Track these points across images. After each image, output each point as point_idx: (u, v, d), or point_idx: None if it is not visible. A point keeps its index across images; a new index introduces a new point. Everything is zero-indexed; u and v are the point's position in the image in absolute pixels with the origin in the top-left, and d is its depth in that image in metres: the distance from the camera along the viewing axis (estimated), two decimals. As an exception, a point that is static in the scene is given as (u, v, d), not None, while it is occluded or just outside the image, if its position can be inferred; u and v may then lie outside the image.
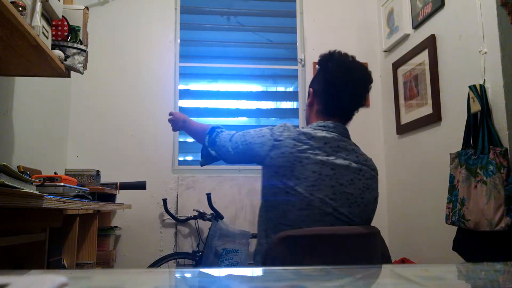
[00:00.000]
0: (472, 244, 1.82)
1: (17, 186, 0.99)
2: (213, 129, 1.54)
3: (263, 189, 1.35)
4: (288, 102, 3.13)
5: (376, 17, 3.05)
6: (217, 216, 2.49)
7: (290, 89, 3.16)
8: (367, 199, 1.30)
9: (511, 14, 1.77)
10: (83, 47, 1.72)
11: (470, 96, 1.90)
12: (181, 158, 2.87)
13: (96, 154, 2.71)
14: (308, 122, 1.51)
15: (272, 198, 1.30)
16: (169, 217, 2.62)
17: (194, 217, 2.56)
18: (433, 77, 2.29)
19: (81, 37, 1.74)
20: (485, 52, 1.88)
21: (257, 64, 3.03)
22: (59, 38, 1.67)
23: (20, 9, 1.26)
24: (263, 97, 3.11)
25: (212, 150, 1.49)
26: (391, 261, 1.37)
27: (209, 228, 2.46)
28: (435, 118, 2.27)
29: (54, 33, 1.65)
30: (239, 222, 2.71)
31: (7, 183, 0.94)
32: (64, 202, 1.24)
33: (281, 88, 3.22)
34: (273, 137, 1.33)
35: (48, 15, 1.55)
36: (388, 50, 2.88)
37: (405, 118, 2.62)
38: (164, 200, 2.60)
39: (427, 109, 2.35)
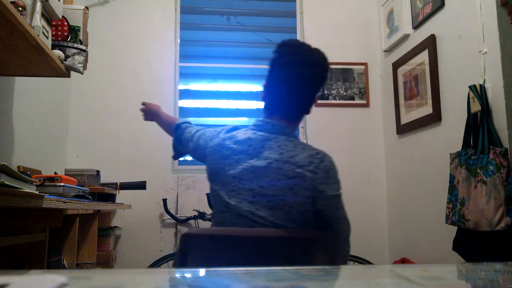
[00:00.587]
0: (472, 244, 1.82)
1: (17, 186, 0.99)
2: (178, 126, 1.54)
3: None
4: (288, 102, 3.13)
5: (376, 17, 3.05)
6: (217, 216, 2.48)
7: (290, 89, 3.15)
8: (292, 200, 1.19)
9: (511, 14, 1.77)
10: (83, 47, 1.72)
11: (470, 96, 1.90)
12: (181, 158, 2.87)
13: (96, 154, 2.71)
14: None
15: (210, 201, 1.33)
16: (169, 217, 2.62)
17: (194, 217, 2.56)
18: (433, 77, 2.29)
19: (81, 37, 1.74)
20: (485, 52, 1.88)
21: (257, 64, 3.03)
22: (59, 38, 1.67)
23: (20, 9, 1.26)
24: (263, 97, 3.11)
25: (178, 146, 1.53)
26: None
27: (209, 228, 2.46)
28: (435, 118, 2.27)
29: (54, 33, 1.65)
30: (239, 222, 2.70)
31: (7, 183, 0.94)
32: (64, 202, 1.24)
33: (281, 88, 3.22)
34: (208, 144, 1.35)
35: (48, 15, 1.55)
36: (388, 50, 2.88)
37: (405, 118, 2.62)
38: (164, 200, 2.60)
39: (427, 109, 2.35)
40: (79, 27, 1.75)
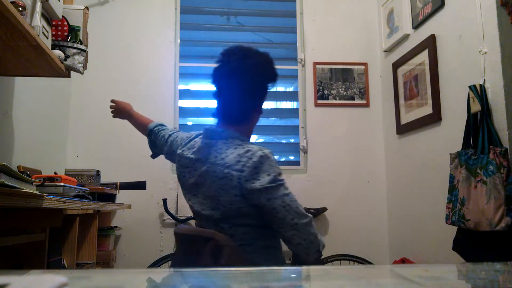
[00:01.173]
0: (472, 244, 1.82)
1: (17, 186, 0.99)
2: (151, 131, 1.68)
3: None
4: (288, 102, 3.13)
5: (376, 17, 3.05)
6: (217, 216, 2.48)
7: (290, 89, 3.16)
8: (226, 200, 1.28)
9: (511, 14, 1.77)
10: (83, 47, 1.72)
11: (470, 96, 1.90)
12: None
13: (96, 154, 2.71)
14: None
15: None
16: (169, 217, 2.62)
17: (194, 217, 2.56)
18: (433, 77, 2.29)
19: (81, 37, 1.74)
20: (485, 52, 1.88)
21: (257, 64, 3.02)
22: (59, 38, 1.67)
23: (20, 9, 1.26)
24: (263, 97, 3.11)
25: (154, 149, 1.68)
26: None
27: (209, 228, 2.46)
28: (435, 118, 2.27)
29: (54, 33, 1.65)
30: (239, 222, 2.70)
31: (7, 183, 0.94)
32: (64, 202, 1.24)
33: (281, 88, 3.22)
34: (176, 152, 1.50)
35: (48, 15, 1.55)
36: (388, 50, 2.88)
37: (405, 118, 2.62)
38: (164, 200, 2.60)
39: (427, 109, 2.35)
40: (79, 27, 1.75)
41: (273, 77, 1.42)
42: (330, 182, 2.87)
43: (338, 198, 2.85)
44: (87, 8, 1.80)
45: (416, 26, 2.51)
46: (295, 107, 3.02)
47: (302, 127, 2.94)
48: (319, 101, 2.95)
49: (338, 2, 3.09)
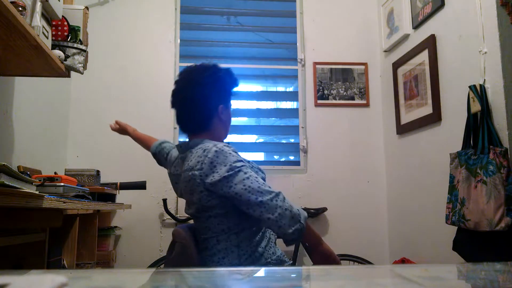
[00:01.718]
0: (472, 244, 1.82)
1: (17, 186, 0.99)
2: (155, 154, 1.89)
3: None
4: (288, 102, 3.14)
5: (376, 17, 3.05)
6: (217, 216, 2.49)
7: (290, 89, 3.16)
8: (196, 198, 1.41)
9: (511, 14, 1.77)
10: (83, 47, 1.72)
11: (470, 96, 1.90)
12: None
13: (96, 154, 2.71)
14: None
15: None
16: (169, 217, 2.62)
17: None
18: (433, 77, 2.29)
19: (81, 37, 1.74)
20: (485, 52, 1.88)
21: (257, 64, 3.03)
22: (59, 38, 1.67)
23: (20, 9, 1.26)
24: (263, 97, 3.11)
25: (160, 165, 1.93)
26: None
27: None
28: (435, 118, 2.27)
29: (54, 33, 1.65)
30: (239, 222, 2.71)
31: (7, 183, 0.94)
32: (64, 202, 1.24)
33: (281, 88, 3.22)
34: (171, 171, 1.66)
35: (48, 15, 1.55)
36: (388, 50, 2.88)
37: (405, 118, 2.62)
38: (164, 200, 2.60)
39: (427, 109, 2.35)
40: (79, 27, 1.75)
41: (222, 83, 1.55)
42: (330, 182, 2.87)
43: (338, 198, 2.85)
44: (87, 8, 1.80)
45: (416, 26, 2.51)
46: (295, 107, 3.02)
47: (302, 127, 2.94)
48: (319, 101, 2.95)
49: (338, 2, 3.09)
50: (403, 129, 2.65)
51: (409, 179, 2.60)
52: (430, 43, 2.31)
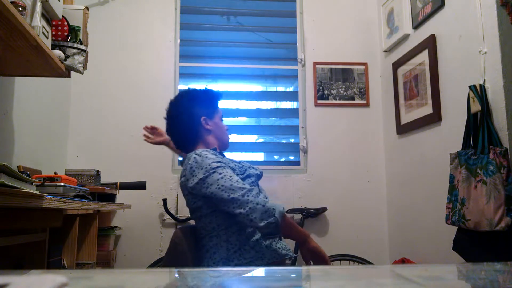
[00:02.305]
0: (472, 244, 1.82)
1: (17, 186, 0.99)
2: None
3: None
4: (288, 102, 3.14)
5: (376, 17, 3.05)
6: (217, 216, 2.49)
7: (290, 89, 3.16)
8: (187, 201, 1.58)
9: (511, 14, 1.77)
10: (83, 47, 1.72)
11: (470, 96, 1.90)
12: (181, 158, 2.87)
13: (96, 154, 2.71)
14: None
15: None
16: (169, 217, 2.62)
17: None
18: (433, 77, 2.29)
19: (81, 37, 1.74)
20: (485, 52, 1.88)
21: (257, 64, 3.03)
22: (59, 38, 1.67)
23: (20, 9, 1.26)
24: (263, 97, 3.11)
25: None
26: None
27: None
28: (435, 118, 2.27)
29: (54, 33, 1.65)
30: (239, 222, 2.70)
31: (7, 183, 0.94)
32: (64, 202, 1.24)
33: (281, 88, 3.22)
34: None
35: (48, 15, 1.55)
36: (388, 50, 2.88)
37: (405, 118, 2.62)
38: (164, 200, 2.60)
39: (427, 109, 2.35)
40: (79, 27, 1.75)
41: (198, 99, 1.72)
42: (330, 182, 2.87)
43: (338, 198, 2.85)
44: (87, 8, 1.80)
45: (416, 26, 2.51)
46: (295, 107, 3.02)
47: (302, 127, 2.94)
48: (319, 101, 2.95)
49: (338, 2, 3.09)
50: (403, 129, 2.65)
51: (409, 179, 2.60)
52: (430, 43, 2.31)
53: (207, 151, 1.55)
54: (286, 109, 3.14)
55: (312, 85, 2.96)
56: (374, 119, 2.98)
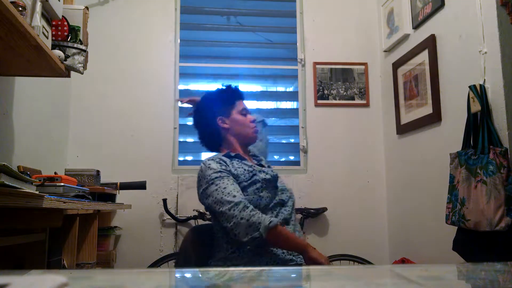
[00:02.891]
0: (472, 244, 1.82)
1: (17, 186, 0.99)
2: None
3: None
4: (288, 102, 3.13)
5: (376, 17, 3.05)
6: (217, 216, 2.49)
7: (290, 89, 3.16)
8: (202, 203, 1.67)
9: (511, 14, 1.77)
10: (83, 47, 1.72)
11: (470, 96, 1.90)
12: (181, 158, 2.87)
13: (96, 154, 2.70)
14: None
15: None
16: (169, 217, 2.62)
17: (194, 217, 2.56)
18: (433, 77, 2.29)
19: (81, 37, 1.74)
20: (485, 52, 1.88)
21: (257, 64, 3.03)
22: (59, 38, 1.67)
23: (20, 9, 1.26)
24: (263, 97, 3.11)
25: None
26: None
27: (209, 228, 2.46)
28: (435, 118, 2.27)
29: (54, 33, 1.65)
30: (239, 222, 2.70)
31: (7, 183, 0.94)
32: (64, 202, 1.24)
33: (281, 88, 3.22)
34: None
35: (48, 15, 1.55)
36: (388, 50, 2.88)
37: (405, 118, 2.62)
38: (164, 200, 2.60)
39: (427, 109, 2.35)
40: (79, 27, 1.75)
41: (213, 102, 1.80)
42: (330, 182, 2.87)
43: (338, 198, 2.85)
44: (87, 8, 1.80)
45: (416, 26, 2.51)
46: (295, 107, 3.02)
47: (302, 127, 2.94)
48: (319, 101, 2.95)
49: (338, 2, 3.09)
50: (403, 129, 2.65)
51: (409, 179, 2.60)
52: (430, 43, 2.31)
53: (212, 159, 1.62)
54: (286, 109, 3.14)
55: (312, 85, 2.96)
56: (374, 119, 2.98)
